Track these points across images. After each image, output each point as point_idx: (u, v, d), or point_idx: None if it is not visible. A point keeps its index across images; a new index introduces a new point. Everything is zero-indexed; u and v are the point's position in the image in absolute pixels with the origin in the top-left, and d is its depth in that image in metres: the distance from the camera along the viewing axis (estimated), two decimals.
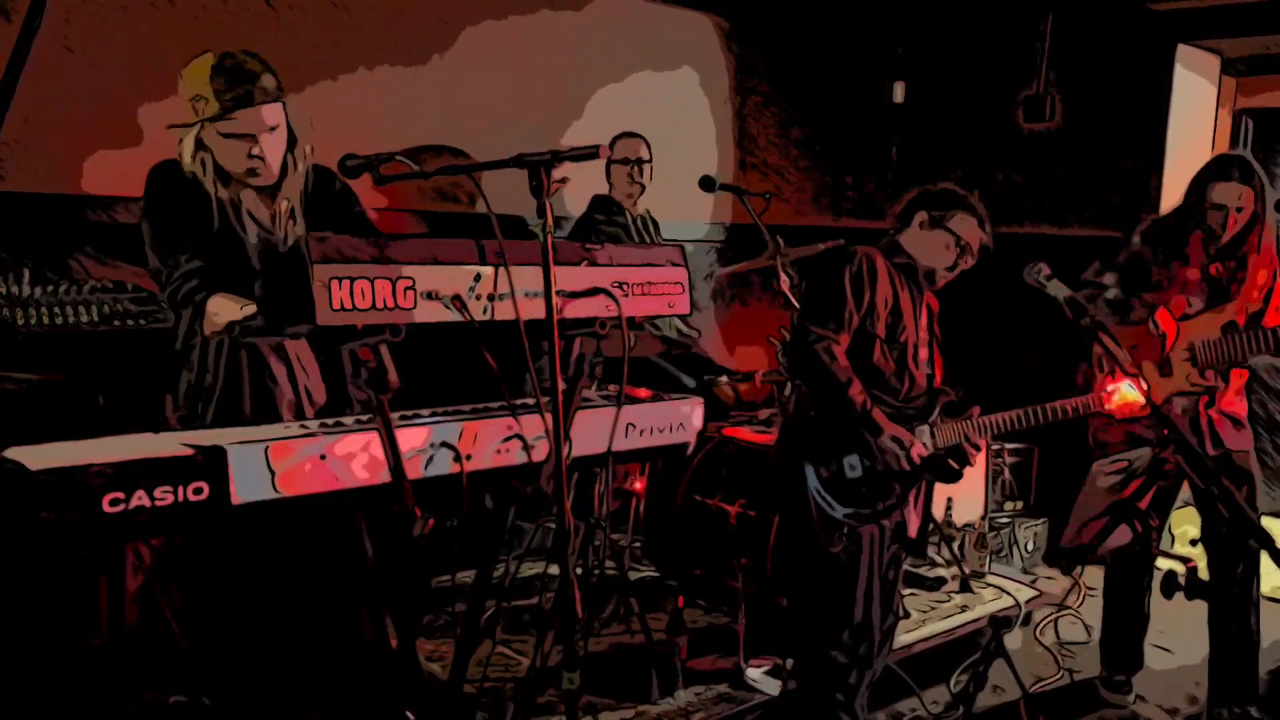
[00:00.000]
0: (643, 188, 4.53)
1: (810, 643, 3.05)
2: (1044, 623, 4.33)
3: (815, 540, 2.93)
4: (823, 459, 2.93)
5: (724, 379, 4.45)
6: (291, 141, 2.63)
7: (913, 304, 3.02)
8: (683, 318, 4.55)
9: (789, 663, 3.32)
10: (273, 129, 2.54)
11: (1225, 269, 3.46)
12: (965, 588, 4.36)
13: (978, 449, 3.01)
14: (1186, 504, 4.30)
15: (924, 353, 3.05)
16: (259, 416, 2.54)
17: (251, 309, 2.26)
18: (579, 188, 4.37)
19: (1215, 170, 3.41)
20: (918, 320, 3.03)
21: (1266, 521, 3.68)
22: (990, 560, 4.63)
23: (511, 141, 2.63)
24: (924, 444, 2.94)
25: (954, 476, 3.06)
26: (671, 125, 5.20)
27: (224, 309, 2.39)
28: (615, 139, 4.51)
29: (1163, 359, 3.45)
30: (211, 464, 1.92)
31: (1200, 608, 3.55)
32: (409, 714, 2.24)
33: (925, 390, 3.03)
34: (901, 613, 3.42)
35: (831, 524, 2.91)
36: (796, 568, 3.13)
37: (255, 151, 2.53)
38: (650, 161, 4.54)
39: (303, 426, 2.18)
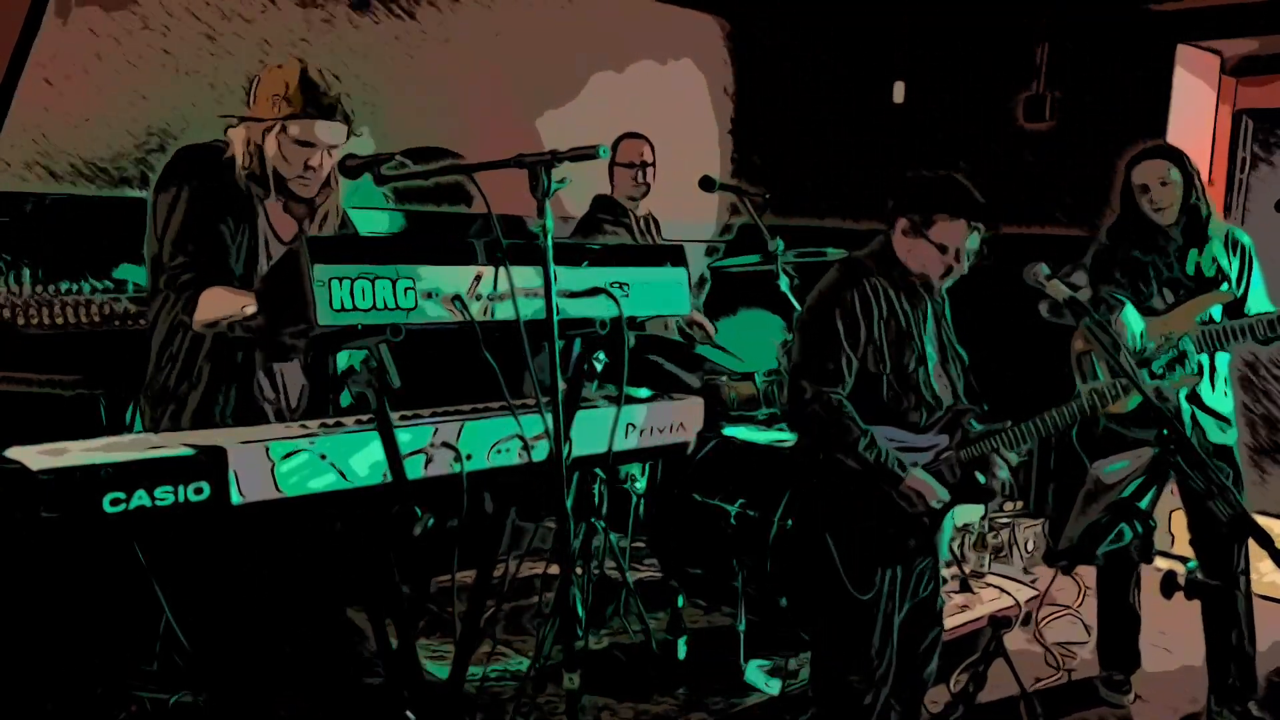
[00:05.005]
0: (647, 189, 4.49)
1: (829, 669, 2.94)
2: (1044, 623, 4.33)
3: (839, 583, 2.78)
4: (841, 524, 2.79)
5: (724, 378, 4.44)
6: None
7: (918, 319, 2.83)
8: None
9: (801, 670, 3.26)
10: (332, 148, 2.57)
11: (1186, 257, 3.48)
12: (965, 588, 4.36)
13: (1006, 463, 2.84)
14: None
15: (940, 370, 2.87)
16: (239, 419, 2.53)
17: (252, 307, 2.25)
18: (582, 187, 4.38)
19: (1133, 158, 3.53)
20: (926, 335, 2.84)
21: (1265, 521, 3.68)
22: (990, 560, 4.63)
23: (509, 140, 2.64)
24: (945, 478, 2.80)
25: (987, 495, 2.91)
26: (672, 124, 5.20)
27: (221, 304, 2.38)
28: (618, 140, 4.47)
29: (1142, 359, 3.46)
30: (211, 464, 1.92)
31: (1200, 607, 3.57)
32: (409, 714, 2.24)
33: (945, 411, 2.87)
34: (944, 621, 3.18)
35: (865, 577, 2.78)
36: (818, 603, 2.96)
37: (313, 162, 2.55)
38: (654, 164, 4.50)
39: (303, 426, 2.18)
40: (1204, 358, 3.44)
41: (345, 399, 2.68)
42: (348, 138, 2.59)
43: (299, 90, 2.49)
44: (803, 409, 2.74)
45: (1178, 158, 3.44)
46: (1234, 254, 3.48)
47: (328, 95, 2.53)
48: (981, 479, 2.87)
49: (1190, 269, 3.47)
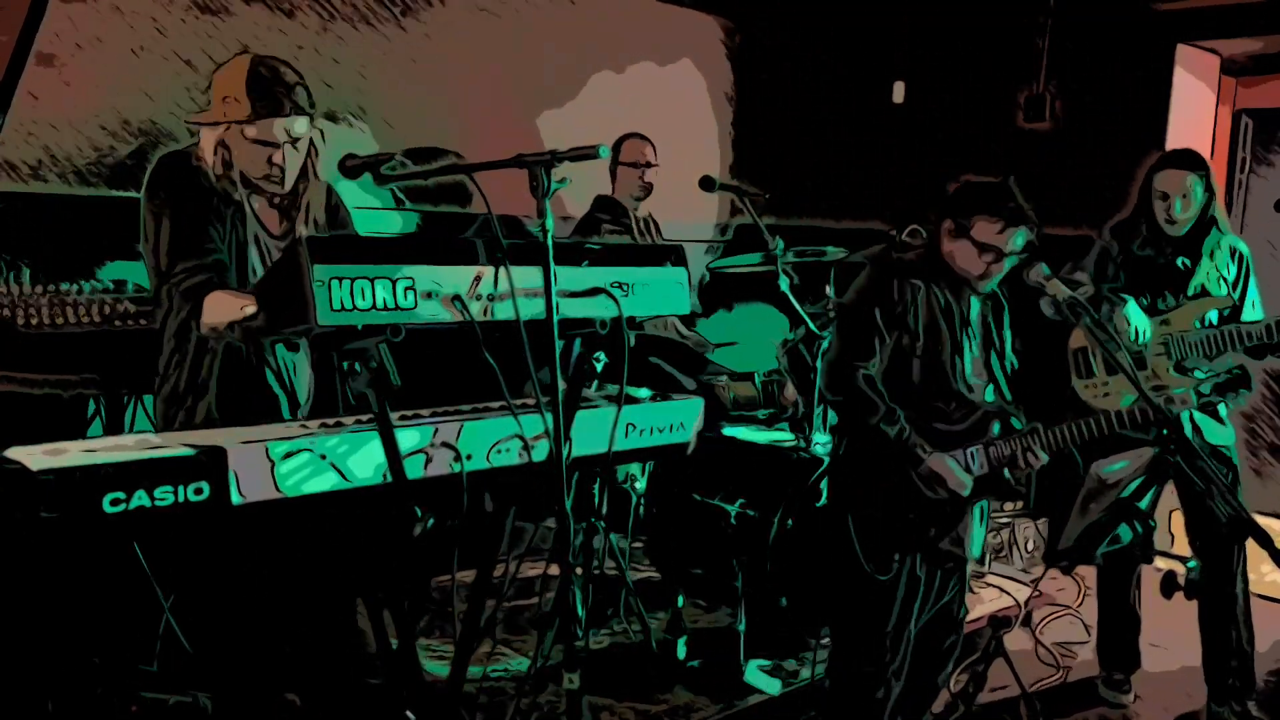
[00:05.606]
0: (649, 190, 4.47)
1: (842, 652, 3.00)
2: (1044, 623, 4.33)
3: (859, 566, 2.83)
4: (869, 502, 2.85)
5: (723, 378, 4.44)
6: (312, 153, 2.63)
7: (956, 315, 2.90)
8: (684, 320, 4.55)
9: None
10: (296, 141, 2.54)
11: (1189, 263, 3.47)
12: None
13: (1032, 465, 2.84)
14: None
15: (976, 365, 2.92)
16: (253, 420, 2.52)
17: (252, 308, 2.25)
18: (582, 187, 4.38)
19: (1160, 161, 3.50)
20: (964, 331, 2.91)
21: (1265, 521, 3.69)
22: (990, 560, 4.63)
23: (509, 140, 2.64)
24: (970, 468, 2.83)
25: (1015, 493, 2.94)
26: (672, 125, 5.20)
27: (223, 306, 2.38)
28: (622, 140, 4.46)
29: (1137, 355, 3.46)
30: (211, 464, 1.92)
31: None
32: (409, 714, 2.24)
33: (981, 405, 2.90)
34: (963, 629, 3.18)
35: (883, 558, 2.83)
36: (837, 585, 3.00)
37: (276, 160, 2.52)
38: (657, 165, 4.49)
39: (303, 426, 2.18)
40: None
41: None
42: (310, 125, 2.56)
43: (245, 90, 2.44)
44: (842, 376, 2.83)
45: (1202, 170, 3.43)
46: (1233, 262, 3.50)
47: (278, 88, 2.47)
48: (1011, 479, 2.88)
49: (1191, 273, 3.48)
